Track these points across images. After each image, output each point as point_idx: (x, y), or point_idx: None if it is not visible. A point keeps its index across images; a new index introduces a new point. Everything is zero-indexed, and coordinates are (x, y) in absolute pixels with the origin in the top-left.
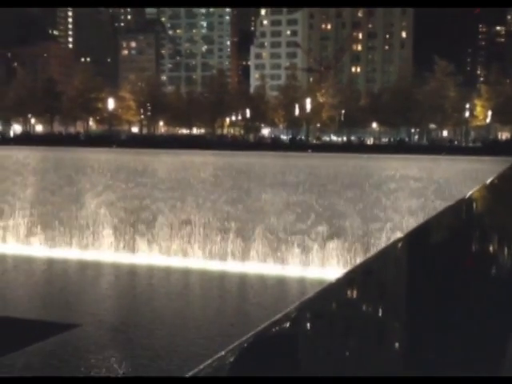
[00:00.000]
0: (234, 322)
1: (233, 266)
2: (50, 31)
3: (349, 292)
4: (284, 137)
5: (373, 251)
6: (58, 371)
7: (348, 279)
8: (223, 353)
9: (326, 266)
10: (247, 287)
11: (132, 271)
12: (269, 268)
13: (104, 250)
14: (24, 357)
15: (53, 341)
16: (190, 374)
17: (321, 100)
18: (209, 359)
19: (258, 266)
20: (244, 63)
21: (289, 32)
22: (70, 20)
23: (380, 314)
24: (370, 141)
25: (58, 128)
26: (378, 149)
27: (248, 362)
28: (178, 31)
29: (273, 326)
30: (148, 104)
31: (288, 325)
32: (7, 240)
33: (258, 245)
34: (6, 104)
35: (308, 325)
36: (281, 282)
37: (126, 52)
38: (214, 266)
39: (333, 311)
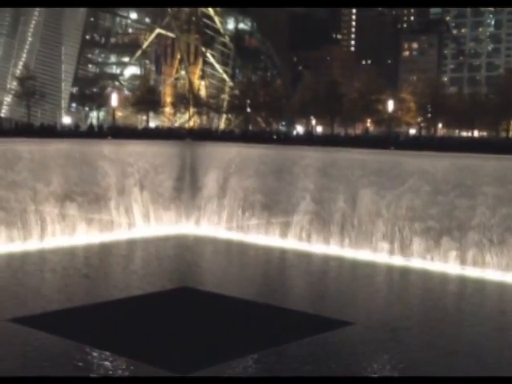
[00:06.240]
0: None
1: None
2: (334, 35)
3: None
4: None
5: None
6: (332, 366)
7: None
8: None
9: None
10: None
11: (405, 273)
12: None
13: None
14: (303, 347)
15: (327, 336)
16: None
17: None
18: None
19: None
20: None
21: None
22: (354, 23)
23: None
24: None
25: (337, 129)
26: None
27: None
28: (462, 30)
29: None
30: (428, 106)
31: None
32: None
33: None
34: (292, 106)
35: None
36: None
37: (407, 53)
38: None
39: None
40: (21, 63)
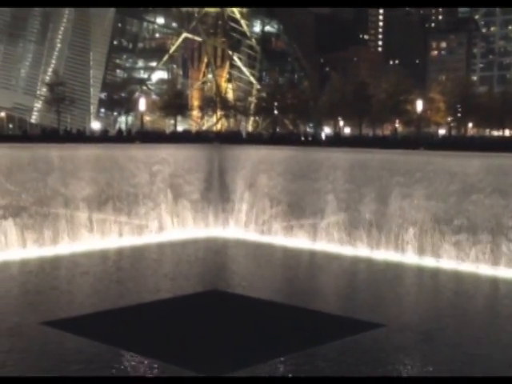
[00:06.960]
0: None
1: None
2: (361, 36)
3: None
4: None
5: None
6: (364, 367)
7: None
8: None
9: None
10: None
11: (435, 275)
12: None
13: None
14: (334, 349)
15: (358, 338)
16: None
17: None
18: None
19: None
20: None
21: None
22: (381, 24)
23: None
24: None
25: (365, 130)
26: None
27: None
28: (492, 29)
29: None
30: (458, 105)
31: None
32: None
33: None
34: (320, 107)
35: None
36: None
37: (435, 52)
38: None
39: None
40: (50, 69)
